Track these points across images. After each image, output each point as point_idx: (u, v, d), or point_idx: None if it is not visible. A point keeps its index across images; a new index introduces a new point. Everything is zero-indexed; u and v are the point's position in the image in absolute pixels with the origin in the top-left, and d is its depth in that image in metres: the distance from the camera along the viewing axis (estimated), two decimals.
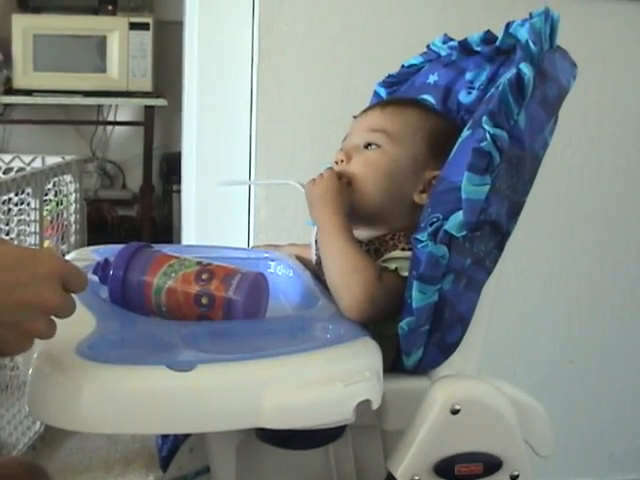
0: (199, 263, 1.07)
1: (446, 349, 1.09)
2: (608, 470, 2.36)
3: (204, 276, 1.04)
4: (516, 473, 1.06)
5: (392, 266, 1.10)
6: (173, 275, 1.05)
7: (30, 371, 0.89)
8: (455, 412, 1.03)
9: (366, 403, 0.92)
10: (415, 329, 1.05)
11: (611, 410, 2.33)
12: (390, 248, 1.16)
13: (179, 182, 2.51)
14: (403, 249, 1.13)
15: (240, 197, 2.04)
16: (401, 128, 1.21)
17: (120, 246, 1.09)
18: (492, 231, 1.08)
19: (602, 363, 2.29)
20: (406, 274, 1.08)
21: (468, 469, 1.04)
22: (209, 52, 2.03)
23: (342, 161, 1.21)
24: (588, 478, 2.36)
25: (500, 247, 1.11)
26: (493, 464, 1.05)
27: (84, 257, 1.30)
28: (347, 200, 1.17)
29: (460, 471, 1.04)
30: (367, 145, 1.21)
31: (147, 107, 3.95)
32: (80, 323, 0.96)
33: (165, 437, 1.34)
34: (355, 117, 1.28)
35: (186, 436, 1.30)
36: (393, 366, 1.08)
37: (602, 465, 2.36)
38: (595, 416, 2.33)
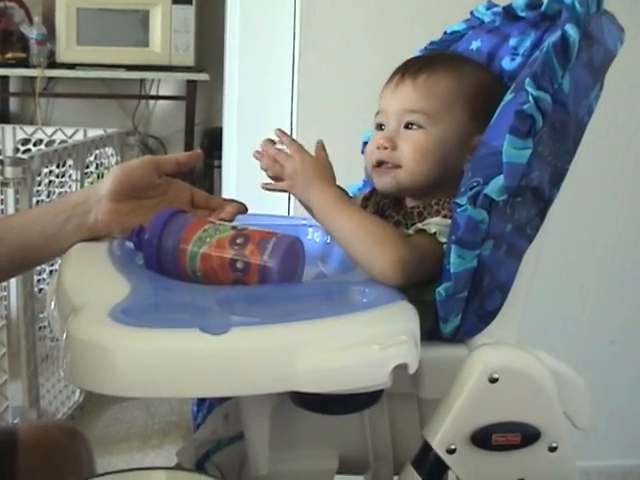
0: (234, 228, 1.06)
1: (485, 317, 1.07)
2: None
3: (239, 240, 1.03)
4: (554, 445, 1.05)
5: (432, 230, 1.08)
6: (208, 240, 1.04)
7: (64, 335, 0.89)
8: (493, 381, 1.01)
9: (402, 368, 0.90)
10: (453, 295, 1.03)
11: None
12: (433, 213, 1.14)
13: (220, 157, 2.51)
14: (445, 216, 1.11)
15: None
16: (438, 104, 1.16)
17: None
18: (534, 197, 1.05)
19: None
20: (444, 240, 1.06)
21: (505, 439, 1.02)
22: (251, 26, 2.03)
23: (385, 148, 1.17)
24: (629, 459, 2.34)
25: (542, 215, 1.08)
26: (531, 435, 1.04)
27: None
28: (328, 167, 1.14)
29: (497, 441, 1.02)
30: (407, 125, 1.17)
31: (189, 82, 3.96)
32: (114, 288, 0.96)
33: (200, 405, 1.34)
34: (387, 84, 1.23)
35: (220, 403, 1.30)
36: (430, 334, 1.06)
37: None
38: (636, 397, 2.30)
